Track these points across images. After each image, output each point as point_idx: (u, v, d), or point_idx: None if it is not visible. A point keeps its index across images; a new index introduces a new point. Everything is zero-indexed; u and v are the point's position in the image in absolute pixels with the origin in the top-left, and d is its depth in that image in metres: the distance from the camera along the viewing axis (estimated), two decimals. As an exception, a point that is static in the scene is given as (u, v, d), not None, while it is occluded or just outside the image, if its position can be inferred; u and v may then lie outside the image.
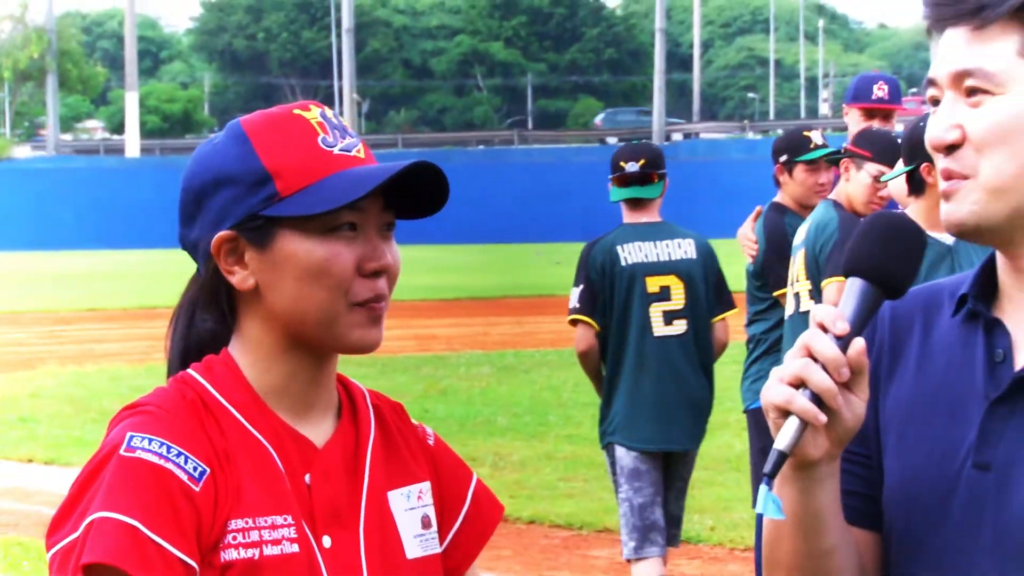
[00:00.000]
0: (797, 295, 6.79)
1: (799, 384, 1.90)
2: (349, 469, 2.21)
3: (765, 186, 7.98)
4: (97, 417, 15.32)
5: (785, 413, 1.91)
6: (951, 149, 1.98)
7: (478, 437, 13.82)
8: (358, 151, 2.17)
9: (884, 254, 1.98)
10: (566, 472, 12.10)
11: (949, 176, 1.98)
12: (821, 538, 2.03)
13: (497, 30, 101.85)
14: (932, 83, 2.02)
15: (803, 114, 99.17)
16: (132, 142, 63.85)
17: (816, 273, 6.61)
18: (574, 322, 7.44)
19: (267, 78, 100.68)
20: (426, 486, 2.29)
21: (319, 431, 2.20)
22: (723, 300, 7.59)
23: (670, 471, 7.52)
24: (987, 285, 2.05)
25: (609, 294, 7.35)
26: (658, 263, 7.38)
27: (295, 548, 2.10)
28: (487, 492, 2.40)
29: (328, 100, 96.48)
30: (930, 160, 5.78)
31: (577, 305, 7.38)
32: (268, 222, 2.11)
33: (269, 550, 2.08)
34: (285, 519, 2.11)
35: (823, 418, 1.90)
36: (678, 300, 7.38)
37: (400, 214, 2.20)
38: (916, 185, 5.84)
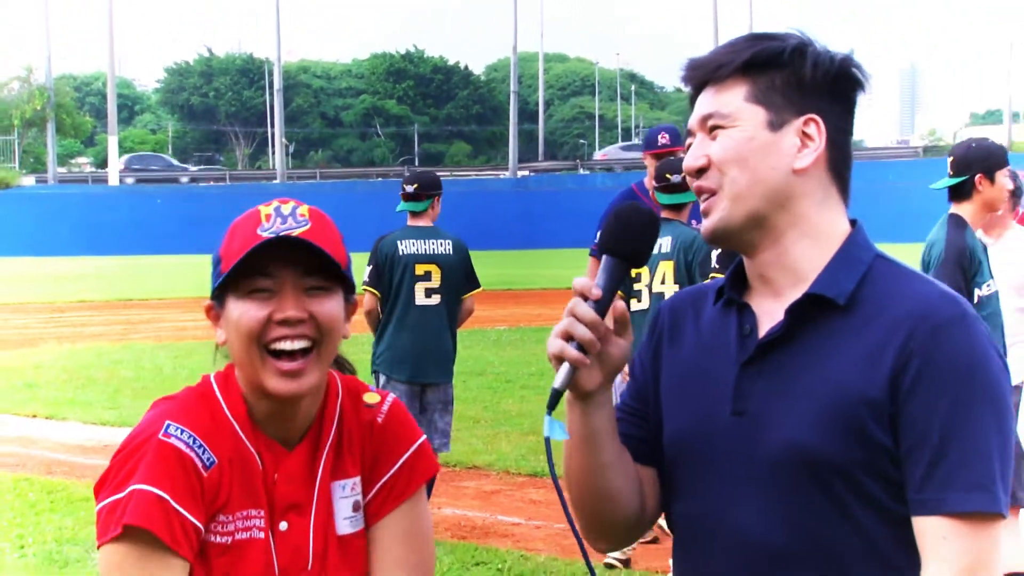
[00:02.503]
0: (662, 295, 6.88)
1: (568, 337, 1.97)
2: (308, 468, 2.20)
3: (597, 209, 7.95)
4: (86, 383, 15.06)
5: (560, 360, 1.97)
6: (700, 172, 2.04)
7: (377, 397, 13.78)
8: (290, 233, 2.11)
9: (623, 235, 2.04)
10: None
11: (700, 191, 2.05)
12: (599, 453, 2.07)
13: (392, 91, 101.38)
14: (690, 132, 2.10)
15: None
16: (113, 175, 62.67)
17: (687, 279, 6.78)
18: (364, 291, 8.02)
19: (217, 126, 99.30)
20: (357, 480, 2.25)
21: (291, 439, 2.20)
22: (471, 282, 8.17)
23: (429, 397, 8.04)
24: (739, 280, 2.11)
25: (389, 274, 7.97)
26: (424, 255, 7.99)
27: (261, 535, 2.12)
28: (423, 457, 2.31)
29: (263, 144, 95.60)
30: (982, 172, 5.81)
31: (367, 280, 8.00)
32: (219, 290, 2.15)
33: (240, 535, 2.11)
34: (259, 512, 2.13)
35: (587, 361, 1.97)
36: (436, 281, 8.00)
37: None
38: (965, 192, 5.78)
